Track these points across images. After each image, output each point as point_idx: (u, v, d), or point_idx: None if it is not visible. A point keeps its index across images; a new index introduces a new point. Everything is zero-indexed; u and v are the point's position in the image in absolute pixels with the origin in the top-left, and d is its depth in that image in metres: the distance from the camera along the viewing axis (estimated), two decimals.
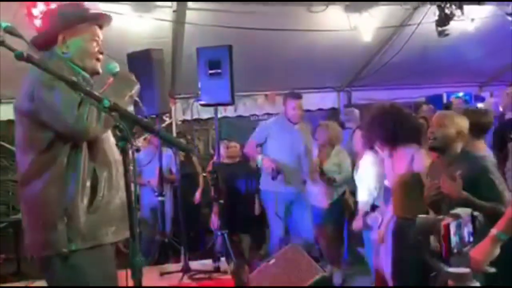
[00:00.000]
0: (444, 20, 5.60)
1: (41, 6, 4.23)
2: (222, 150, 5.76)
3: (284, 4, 5.49)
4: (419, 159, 3.28)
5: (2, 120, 5.81)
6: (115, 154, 2.17)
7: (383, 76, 7.07)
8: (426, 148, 3.24)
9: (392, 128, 3.34)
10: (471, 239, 2.15)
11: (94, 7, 2.31)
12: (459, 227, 2.10)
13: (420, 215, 2.34)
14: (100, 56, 2.25)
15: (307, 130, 5.17)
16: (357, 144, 4.53)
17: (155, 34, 5.47)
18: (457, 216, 2.14)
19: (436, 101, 7.01)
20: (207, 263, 3.93)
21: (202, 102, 4.46)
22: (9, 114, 5.32)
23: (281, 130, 4.91)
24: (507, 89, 5.25)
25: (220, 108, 5.23)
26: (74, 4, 2.27)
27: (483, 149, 3.21)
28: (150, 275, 3.41)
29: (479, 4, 5.73)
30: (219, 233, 4.38)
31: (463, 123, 3.00)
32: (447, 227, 2.07)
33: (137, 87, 2.21)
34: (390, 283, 3.56)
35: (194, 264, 3.92)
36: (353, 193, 4.76)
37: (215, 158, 5.18)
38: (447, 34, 5.72)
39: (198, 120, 7.55)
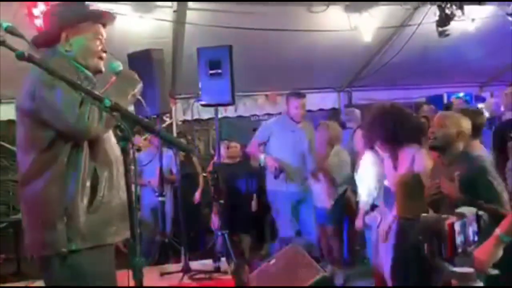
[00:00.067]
0: (444, 20, 5.61)
1: (41, 6, 4.23)
2: (223, 150, 5.76)
3: (285, 5, 5.50)
4: (420, 159, 3.28)
5: (2, 120, 5.81)
6: (116, 153, 2.16)
7: (383, 76, 7.07)
8: (426, 148, 3.25)
9: (393, 128, 3.34)
10: (476, 238, 2.14)
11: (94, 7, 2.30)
12: (463, 226, 2.09)
13: (423, 214, 2.34)
14: (103, 55, 2.24)
15: (311, 129, 5.15)
16: (358, 144, 4.54)
17: (156, 34, 5.47)
18: (461, 215, 2.12)
19: (436, 102, 7.01)
20: (207, 263, 3.94)
21: (202, 102, 4.46)
22: (9, 114, 5.39)
23: (283, 129, 4.92)
24: (506, 89, 5.25)
25: (221, 108, 5.23)
26: (77, 2, 2.26)
27: (480, 149, 3.22)
28: (150, 275, 3.41)
29: (479, 4, 5.73)
30: (219, 233, 4.38)
31: (465, 124, 3.01)
32: (452, 226, 2.06)
33: (140, 86, 2.21)
34: (390, 283, 3.56)
35: (195, 264, 3.92)
36: (355, 192, 4.76)
37: (215, 158, 5.18)
38: (447, 34, 5.72)
39: (198, 120, 7.56)
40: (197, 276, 3.70)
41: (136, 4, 5.10)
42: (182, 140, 7.07)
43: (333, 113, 7.91)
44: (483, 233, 2.19)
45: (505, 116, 5.16)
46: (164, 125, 6.79)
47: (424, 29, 5.94)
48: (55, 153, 2.03)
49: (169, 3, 5.23)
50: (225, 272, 3.73)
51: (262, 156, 4.89)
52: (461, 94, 7.41)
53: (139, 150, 5.93)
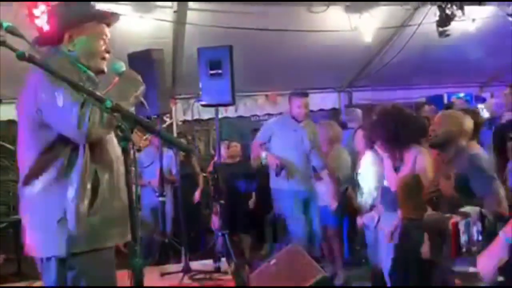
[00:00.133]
0: (445, 20, 5.61)
1: (42, 7, 4.23)
2: (223, 150, 5.76)
3: (285, 5, 5.50)
4: (421, 160, 3.29)
5: (2, 120, 5.81)
6: (117, 153, 2.13)
7: (383, 76, 7.08)
8: (426, 147, 3.25)
9: (394, 129, 3.34)
10: (480, 238, 2.13)
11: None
12: (467, 225, 2.09)
13: (427, 214, 2.34)
14: (107, 55, 2.22)
15: (314, 127, 5.13)
16: (359, 144, 4.54)
17: (156, 34, 5.47)
18: (466, 215, 2.12)
19: (437, 102, 7.01)
20: (207, 264, 3.94)
21: (202, 103, 4.46)
22: (9, 114, 5.39)
23: (284, 128, 4.91)
24: (506, 89, 5.26)
25: (221, 109, 5.23)
26: (82, 2, 2.24)
27: (476, 148, 3.22)
28: (150, 276, 3.40)
29: (480, 4, 5.73)
30: (219, 233, 4.38)
31: (467, 122, 3.01)
32: (456, 225, 2.05)
33: (142, 88, 2.18)
34: (390, 283, 3.56)
35: (195, 265, 3.92)
36: (355, 192, 4.75)
37: (216, 158, 5.18)
38: (448, 35, 5.73)
39: (198, 121, 7.57)
40: (198, 276, 3.69)
41: (136, 4, 5.10)
42: (182, 140, 7.07)
43: (334, 113, 7.92)
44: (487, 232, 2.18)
45: (505, 117, 5.16)
46: (164, 125, 6.79)
47: (425, 29, 5.95)
48: (56, 154, 2.01)
49: (169, 3, 5.24)
50: (226, 272, 3.73)
51: (264, 154, 4.88)
52: (462, 94, 7.42)
53: (139, 150, 5.93)
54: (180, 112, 7.20)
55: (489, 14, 6.09)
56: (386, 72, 6.87)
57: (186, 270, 3.76)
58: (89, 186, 2.03)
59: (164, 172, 5.13)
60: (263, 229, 6.39)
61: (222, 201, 4.48)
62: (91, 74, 2.17)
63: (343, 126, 6.14)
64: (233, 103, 4.59)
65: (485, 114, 6.27)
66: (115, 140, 2.16)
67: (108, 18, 2.24)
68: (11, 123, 5.38)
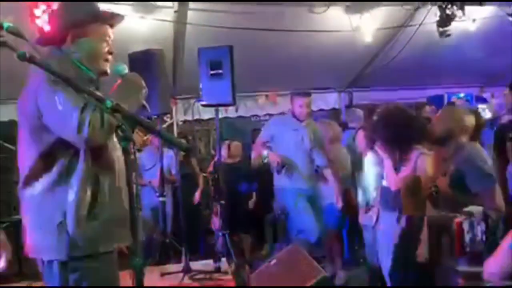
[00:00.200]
0: (445, 20, 5.61)
1: (43, 7, 4.23)
2: (223, 150, 5.77)
3: (285, 5, 5.50)
4: (422, 160, 3.28)
5: (3, 120, 5.81)
6: (118, 154, 2.10)
7: (384, 76, 7.07)
8: (428, 148, 3.25)
9: (396, 130, 3.34)
10: (484, 237, 2.13)
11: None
12: (471, 225, 2.08)
13: (431, 214, 2.33)
14: (109, 57, 2.19)
15: (315, 127, 5.12)
16: (360, 144, 4.54)
17: (156, 34, 5.47)
18: (469, 214, 2.12)
19: (437, 102, 7.00)
20: (208, 264, 3.94)
21: (203, 103, 4.46)
22: (10, 114, 5.39)
23: (285, 128, 4.92)
24: (505, 90, 5.25)
25: (221, 109, 5.24)
26: (86, 2, 2.21)
27: (476, 145, 3.22)
28: (151, 276, 3.41)
29: (480, 4, 5.73)
30: (220, 233, 4.39)
31: (467, 119, 3.01)
32: (460, 225, 2.05)
33: (144, 91, 2.15)
34: (389, 283, 3.56)
35: (195, 265, 3.93)
36: (355, 192, 4.75)
37: (216, 158, 5.18)
38: (448, 35, 5.73)
39: (199, 121, 7.57)
40: (198, 276, 3.70)
41: (137, 5, 5.10)
42: (183, 140, 7.07)
43: (334, 114, 7.91)
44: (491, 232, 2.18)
45: (505, 117, 5.16)
46: (164, 125, 6.79)
47: (425, 29, 5.94)
48: (56, 156, 1.98)
49: (169, 4, 5.24)
50: (226, 272, 3.74)
51: (265, 152, 4.88)
52: (462, 95, 7.41)
53: (139, 150, 5.94)
54: (180, 112, 7.19)
55: (489, 14, 6.09)
56: (387, 73, 6.87)
57: (186, 270, 3.77)
58: (89, 191, 2.00)
59: (164, 172, 5.14)
60: (264, 229, 6.40)
61: (222, 201, 4.48)
62: (93, 75, 2.15)
63: (344, 126, 6.14)
64: (233, 103, 4.59)
65: (487, 114, 6.27)
66: (115, 140, 2.14)
67: (112, 19, 2.22)
68: (12, 123, 5.38)
